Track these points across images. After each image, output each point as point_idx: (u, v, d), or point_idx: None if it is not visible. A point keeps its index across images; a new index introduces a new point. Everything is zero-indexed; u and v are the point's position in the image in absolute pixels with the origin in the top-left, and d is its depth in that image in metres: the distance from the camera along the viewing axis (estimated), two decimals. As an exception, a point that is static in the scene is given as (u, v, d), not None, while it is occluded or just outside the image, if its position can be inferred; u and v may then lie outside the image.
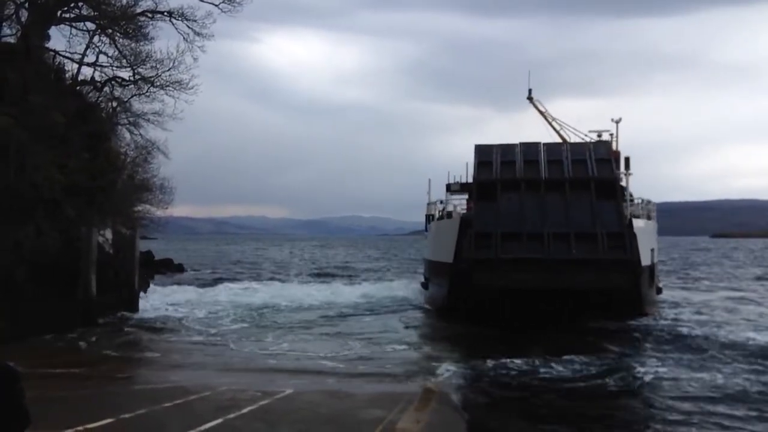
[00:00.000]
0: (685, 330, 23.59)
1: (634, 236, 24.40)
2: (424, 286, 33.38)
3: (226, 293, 38.28)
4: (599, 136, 32.82)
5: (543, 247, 23.87)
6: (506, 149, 28.79)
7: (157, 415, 10.71)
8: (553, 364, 17.44)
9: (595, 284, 23.54)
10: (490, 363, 17.54)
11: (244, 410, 10.95)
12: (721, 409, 13.17)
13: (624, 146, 32.40)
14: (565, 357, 18.09)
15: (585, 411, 13.25)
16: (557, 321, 23.10)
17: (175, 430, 9.54)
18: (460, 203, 31.56)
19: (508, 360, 17.82)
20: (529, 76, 40.46)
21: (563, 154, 27.94)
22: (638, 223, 26.02)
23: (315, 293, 38.81)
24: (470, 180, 39.16)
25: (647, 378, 16.11)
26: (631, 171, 29.92)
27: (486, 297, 23.88)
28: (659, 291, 31.79)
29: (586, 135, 34.35)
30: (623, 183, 28.90)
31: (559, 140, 35.58)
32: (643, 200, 30.53)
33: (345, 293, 39.07)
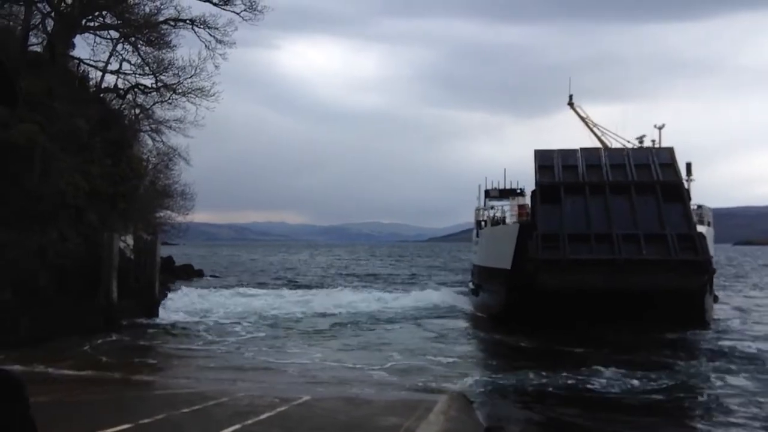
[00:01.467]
0: (745, 344, 22.41)
1: (703, 237, 24.31)
2: (475, 292, 33.29)
3: (247, 300, 38.28)
4: (641, 142, 32.75)
5: (612, 249, 23.78)
6: (566, 154, 29.03)
7: (175, 420, 10.75)
8: (596, 378, 16.65)
9: (666, 285, 23.42)
10: (522, 374, 17.06)
11: (262, 416, 10.95)
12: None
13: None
14: (614, 370, 17.32)
15: (617, 428, 12.90)
16: (622, 325, 22.67)
17: (193, 435, 9.56)
18: (501, 208, 32.86)
19: (546, 372, 17.18)
20: (570, 83, 40.55)
21: (625, 158, 28.11)
22: (700, 228, 25.83)
23: (353, 301, 37.93)
24: (509, 186, 40.10)
25: (701, 398, 15.35)
26: (693, 177, 29.53)
27: (551, 300, 23.45)
28: (716, 299, 31.38)
29: (628, 141, 34.34)
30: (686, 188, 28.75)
31: (600, 146, 35.51)
32: (699, 206, 30.14)
33: (388, 301, 38.26)
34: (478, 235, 33.43)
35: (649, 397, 15.21)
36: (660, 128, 32.57)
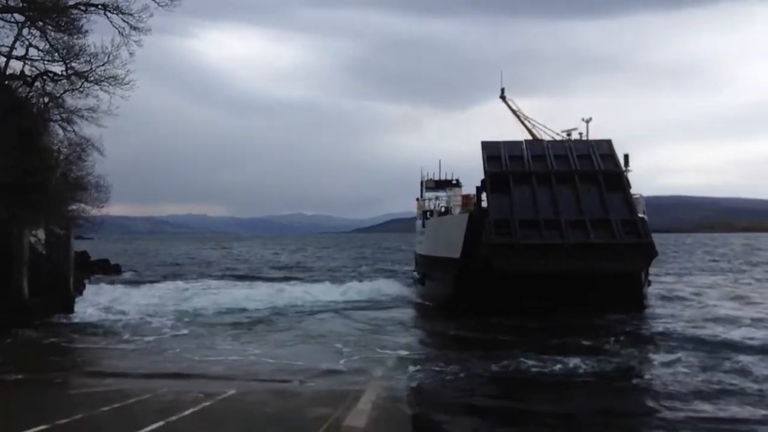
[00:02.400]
0: (677, 326, 23.49)
1: (645, 222, 25.91)
2: (421, 282, 33.57)
3: (166, 294, 37.25)
4: (569, 134, 34.03)
5: (561, 234, 25.02)
6: (512, 145, 30.32)
7: (94, 419, 10.39)
8: (531, 361, 17.17)
9: (613, 268, 24.89)
10: (457, 362, 17.42)
11: (186, 412, 10.73)
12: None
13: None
14: (547, 356, 17.78)
15: (543, 409, 13.28)
16: (566, 308, 24.08)
17: (114, 434, 9.28)
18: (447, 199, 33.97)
19: (482, 360, 17.65)
20: (501, 76, 41.85)
21: (568, 150, 29.45)
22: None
23: (282, 293, 37.37)
24: (444, 177, 41.97)
25: (641, 378, 15.94)
26: (630, 168, 30.65)
27: (503, 283, 24.31)
28: (649, 284, 32.94)
29: (557, 134, 35.55)
30: None
31: (530, 138, 36.77)
32: (634, 196, 31.31)
33: (326, 292, 37.65)
34: (424, 225, 33.72)
35: (588, 379, 15.76)
36: (587, 121, 33.96)
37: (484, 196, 27.92)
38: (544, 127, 37.75)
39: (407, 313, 30.39)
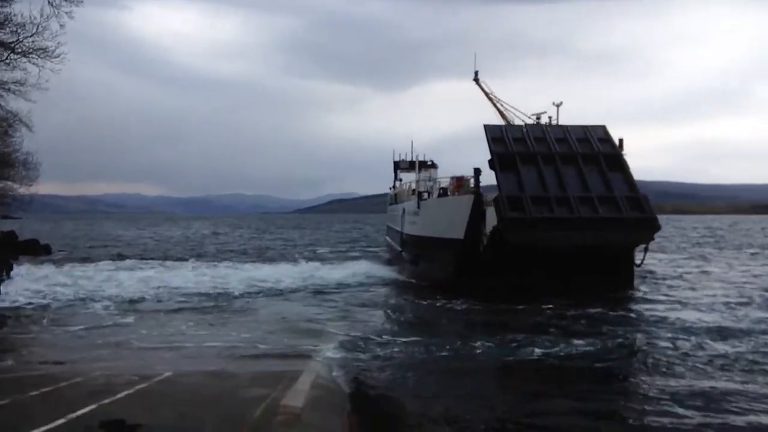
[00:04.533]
0: (666, 308, 23.68)
1: (647, 199, 27.84)
2: (413, 262, 33.99)
3: (100, 275, 36.15)
4: (538, 118, 35.10)
5: (571, 209, 26.92)
6: (513, 128, 32.50)
7: (22, 404, 10.05)
8: (489, 344, 17.20)
9: (622, 241, 27.16)
10: (424, 340, 17.65)
11: (120, 395, 10.50)
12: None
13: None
14: (515, 336, 17.97)
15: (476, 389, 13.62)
16: (571, 280, 25.67)
17: (43, 418, 8.98)
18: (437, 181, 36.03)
19: (431, 338, 17.90)
20: (475, 58, 43.07)
21: (566, 133, 31.23)
22: None
23: (233, 274, 36.46)
24: (416, 158, 45.16)
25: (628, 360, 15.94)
26: (625, 151, 31.70)
27: (513, 259, 25.74)
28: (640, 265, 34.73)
29: (528, 117, 36.90)
30: None
31: (503, 122, 37.95)
32: None
33: (289, 273, 36.66)
34: (419, 207, 33.74)
35: (535, 366, 15.68)
36: (558, 105, 35.14)
37: (481, 177, 28.90)
38: (514, 109, 38.99)
39: (393, 293, 30.18)
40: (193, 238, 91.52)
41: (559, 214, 26.72)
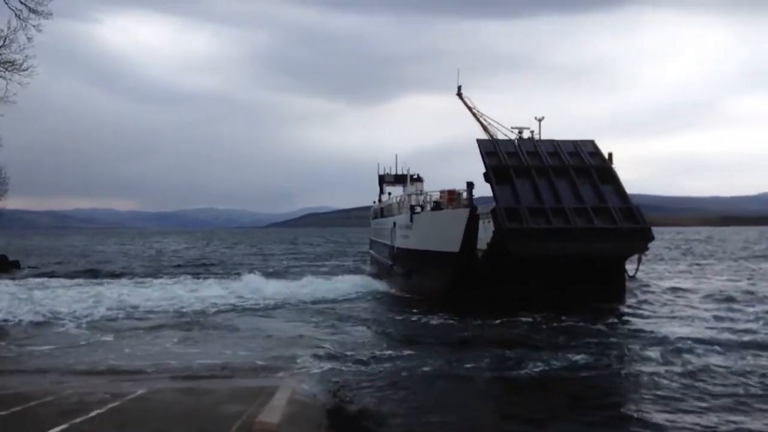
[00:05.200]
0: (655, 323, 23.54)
1: (640, 210, 28.60)
2: (407, 275, 34.12)
3: (69, 293, 35.28)
4: (520, 132, 35.94)
5: (567, 220, 27.51)
6: (505, 143, 33.42)
7: (-9, 424, 9.83)
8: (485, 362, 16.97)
9: (618, 251, 28.04)
10: (392, 356, 17.54)
11: (92, 413, 10.32)
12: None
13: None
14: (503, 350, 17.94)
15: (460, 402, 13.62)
16: (563, 291, 26.32)
17: (13, 439, 8.80)
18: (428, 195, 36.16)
19: (423, 354, 17.79)
20: (458, 73, 43.43)
21: (557, 147, 31.95)
22: None
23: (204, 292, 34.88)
24: (404, 172, 46.35)
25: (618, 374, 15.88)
26: (614, 164, 32.21)
27: (511, 270, 26.29)
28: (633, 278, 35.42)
29: (511, 130, 37.50)
30: None
31: (486, 136, 38.44)
32: None
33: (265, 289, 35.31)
34: (412, 220, 33.67)
35: (554, 374, 15.71)
36: (540, 120, 35.90)
37: (475, 190, 29.61)
38: (498, 124, 39.65)
39: (380, 307, 30.08)
40: (164, 252, 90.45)
41: (556, 224, 27.35)
